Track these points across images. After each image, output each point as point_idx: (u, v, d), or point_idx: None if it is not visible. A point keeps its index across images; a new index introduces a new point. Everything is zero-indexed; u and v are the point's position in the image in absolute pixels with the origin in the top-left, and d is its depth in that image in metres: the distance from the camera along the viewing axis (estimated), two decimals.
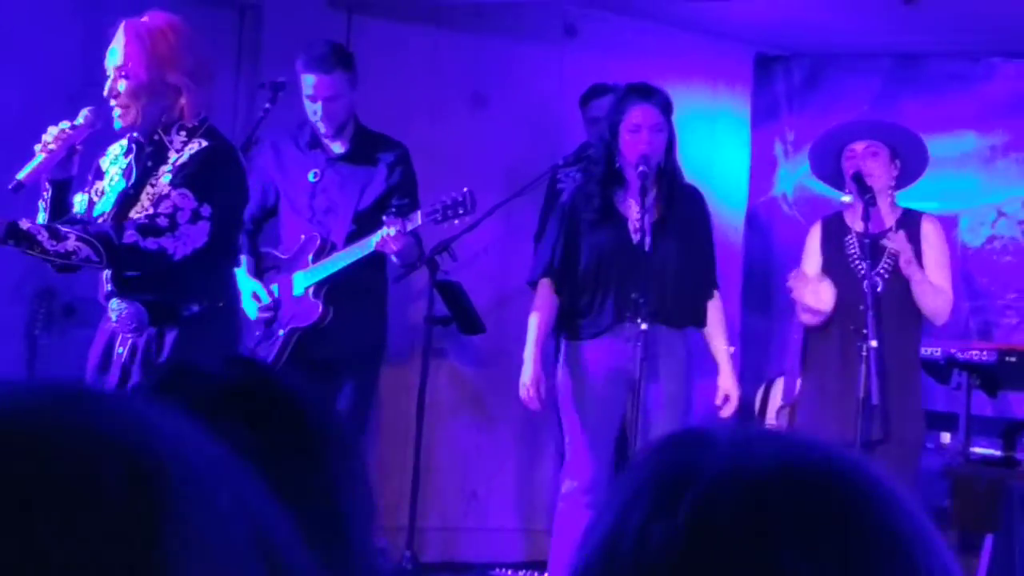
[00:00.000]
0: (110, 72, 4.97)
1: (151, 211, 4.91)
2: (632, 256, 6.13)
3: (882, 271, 6.16)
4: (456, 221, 6.32)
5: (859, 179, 6.12)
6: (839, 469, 1.17)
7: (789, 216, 8.98)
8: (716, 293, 6.42)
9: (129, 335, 4.98)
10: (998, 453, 6.81)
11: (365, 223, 6.48)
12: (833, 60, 9.16)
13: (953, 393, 7.18)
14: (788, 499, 1.14)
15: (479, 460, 7.98)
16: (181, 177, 4.93)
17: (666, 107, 6.26)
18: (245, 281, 6.47)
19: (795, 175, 9.09)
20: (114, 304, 5.02)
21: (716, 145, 8.96)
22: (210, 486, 0.90)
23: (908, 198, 6.62)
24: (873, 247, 6.12)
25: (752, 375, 8.37)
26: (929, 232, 6.28)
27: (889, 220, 6.25)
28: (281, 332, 6.51)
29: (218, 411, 1.36)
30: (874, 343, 5.96)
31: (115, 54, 4.97)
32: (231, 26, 7.45)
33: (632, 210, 6.23)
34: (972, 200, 8.55)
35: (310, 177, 6.68)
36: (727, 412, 6.31)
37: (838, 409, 6.10)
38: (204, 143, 5.01)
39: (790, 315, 7.44)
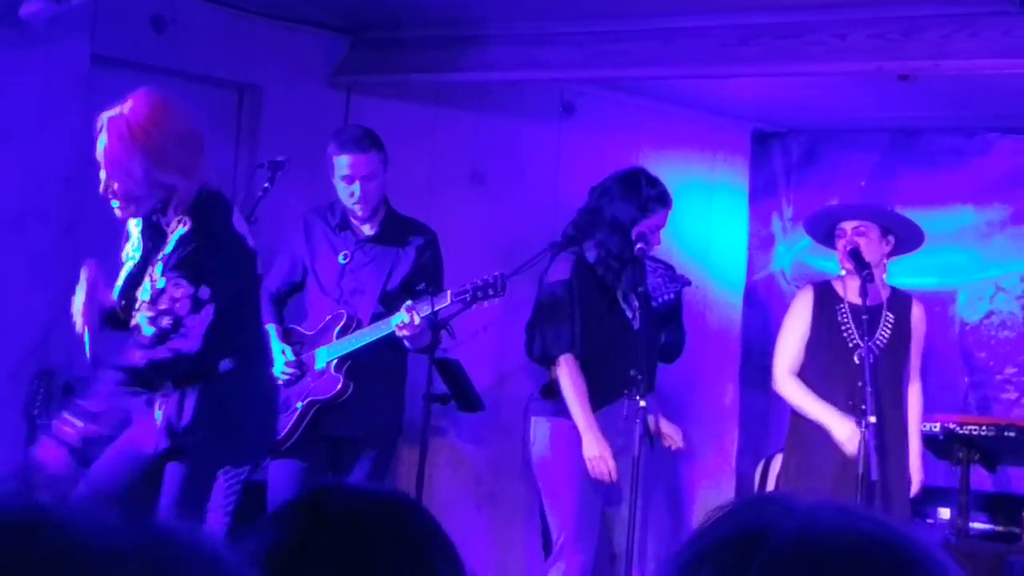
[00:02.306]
0: (101, 166, 4.86)
1: (151, 312, 4.88)
2: (628, 335, 6.27)
3: (878, 343, 6.18)
4: (486, 304, 6.32)
5: (857, 255, 6.17)
6: (900, 539, 1.20)
7: (788, 292, 8.99)
8: None
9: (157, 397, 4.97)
10: (998, 528, 6.78)
11: (391, 304, 6.47)
12: (830, 136, 9.20)
13: (952, 468, 7.17)
14: (854, 565, 1.16)
15: (478, 538, 7.95)
16: (171, 266, 4.89)
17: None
18: (275, 344, 6.48)
19: (793, 251, 9.11)
20: None
21: (714, 221, 8.99)
22: None
23: (907, 274, 6.65)
24: (870, 320, 6.17)
25: (751, 452, 8.36)
26: (918, 319, 6.41)
27: (883, 294, 6.31)
28: (299, 405, 6.48)
29: None
30: (873, 419, 5.97)
31: (101, 152, 4.83)
32: (230, 106, 7.49)
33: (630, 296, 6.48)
34: (970, 275, 8.56)
35: (340, 259, 6.66)
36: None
37: (837, 486, 6.10)
38: (187, 223, 4.89)
39: None
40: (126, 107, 4.81)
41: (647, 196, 6.54)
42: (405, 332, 6.25)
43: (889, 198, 8.21)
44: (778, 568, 1.16)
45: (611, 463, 6.24)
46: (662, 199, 6.52)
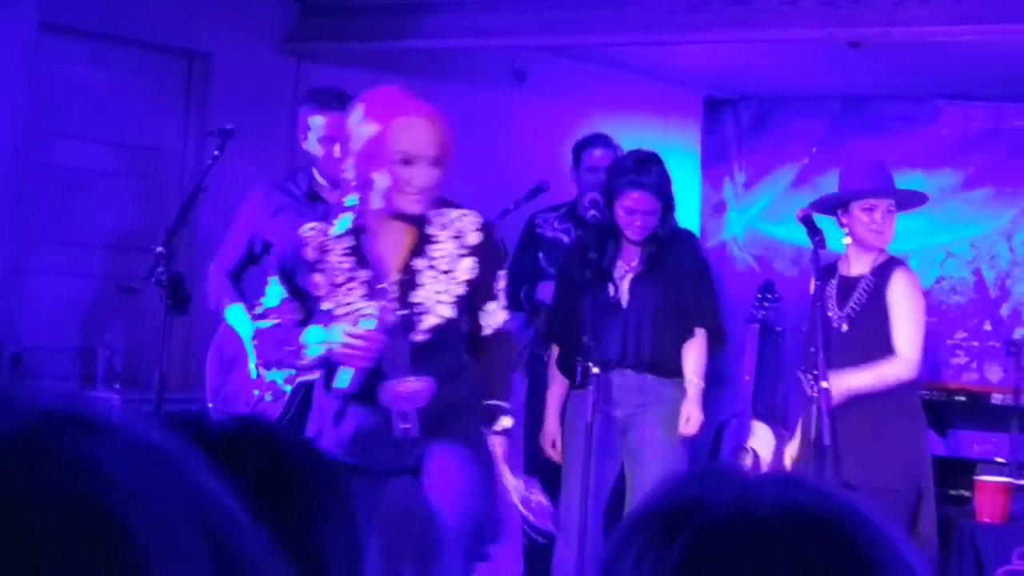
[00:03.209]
0: (412, 159, 4.73)
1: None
2: (608, 310, 6.32)
3: (850, 312, 6.13)
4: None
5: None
6: (838, 512, 1.18)
7: (739, 259, 9.01)
8: (698, 331, 6.45)
9: None
10: (948, 492, 6.82)
11: None
12: (781, 102, 9.22)
13: None
14: (787, 539, 1.15)
15: None
16: None
17: (660, 185, 6.38)
18: (247, 325, 6.18)
19: (745, 217, 9.14)
20: None
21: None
22: (178, 534, 0.87)
23: None
24: (848, 291, 6.12)
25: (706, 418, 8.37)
26: (896, 287, 6.20)
27: (874, 263, 6.20)
28: (288, 387, 6.19)
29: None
30: (825, 384, 5.95)
31: (424, 143, 4.74)
32: (180, 73, 7.44)
33: (618, 268, 6.44)
34: (920, 241, 8.59)
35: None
36: (688, 431, 6.34)
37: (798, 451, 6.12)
38: None
39: (740, 359, 7.48)
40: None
41: (617, 165, 6.56)
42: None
43: (838, 164, 8.22)
44: (707, 540, 1.15)
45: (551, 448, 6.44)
46: (634, 171, 6.42)
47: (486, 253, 4.88)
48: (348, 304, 4.71)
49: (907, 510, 5.91)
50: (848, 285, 6.11)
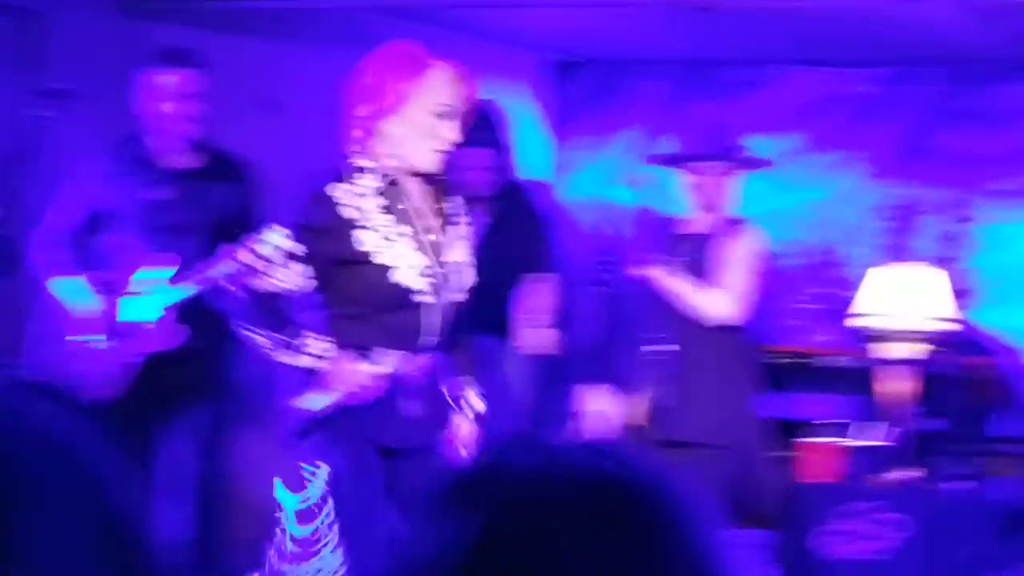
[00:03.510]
0: (446, 113, 4.73)
1: None
2: None
3: (693, 270, 6.18)
4: None
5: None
6: (641, 480, 1.18)
7: (586, 221, 9.04)
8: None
9: None
10: (782, 453, 6.90)
11: (216, 244, 5.79)
12: (628, 66, 9.24)
13: None
14: (586, 506, 1.15)
15: None
16: None
17: (500, 141, 6.40)
18: (85, 296, 5.90)
19: (592, 181, 9.16)
20: None
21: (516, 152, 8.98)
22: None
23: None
24: (681, 248, 6.17)
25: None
26: (740, 243, 6.32)
27: (712, 226, 6.27)
28: (121, 357, 5.87)
29: None
30: (669, 347, 6.00)
31: (457, 96, 4.76)
32: (9, 32, 7.27)
33: None
34: (762, 205, 8.64)
35: (149, 195, 6.06)
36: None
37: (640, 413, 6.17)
38: None
39: (584, 323, 7.50)
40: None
41: None
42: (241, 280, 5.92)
43: (682, 129, 8.26)
44: (509, 508, 1.16)
45: None
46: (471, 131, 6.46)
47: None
48: (402, 256, 4.66)
49: (736, 468, 5.99)
50: (691, 243, 6.18)
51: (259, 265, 5.06)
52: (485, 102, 6.61)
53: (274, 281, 4.72)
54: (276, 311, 4.68)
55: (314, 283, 4.67)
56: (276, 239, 4.84)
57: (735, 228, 6.32)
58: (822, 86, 8.80)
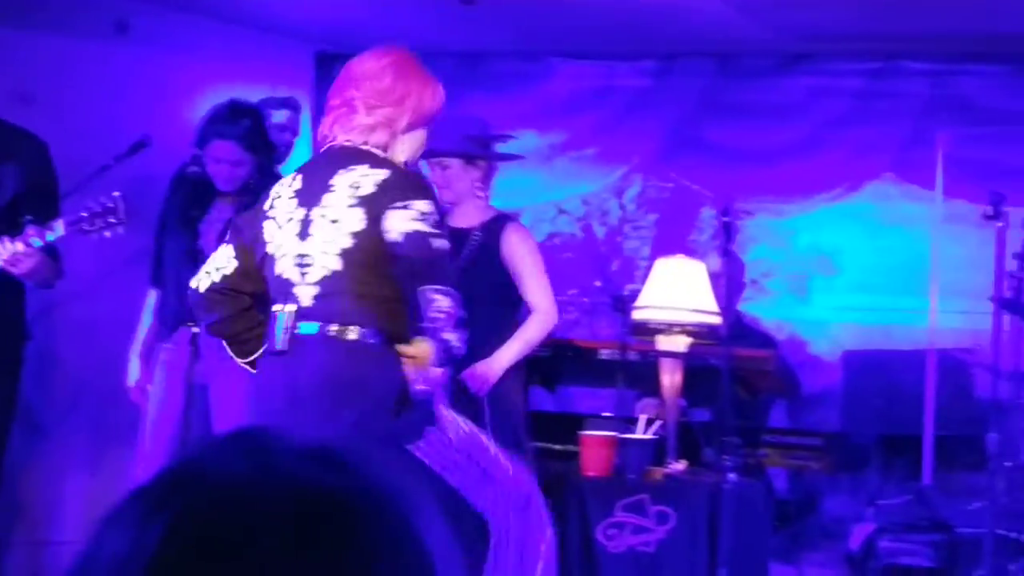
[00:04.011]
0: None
1: None
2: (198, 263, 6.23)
3: (461, 264, 6.11)
4: (108, 233, 5.77)
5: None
6: (362, 493, 1.05)
7: None
8: None
9: None
10: (557, 447, 6.87)
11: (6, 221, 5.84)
12: None
13: None
14: (280, 524, 1.00)
15: (34, 473, 7.61)
16: None
17: (249, 136, 6.36)
18: None
19: None
20: None
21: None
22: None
23: None
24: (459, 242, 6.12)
25: None
26: (510, 243, 6.24)
27: (480, 218, 6.23)
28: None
29: None
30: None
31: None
32: None
33: (207, 221, 6.40)
34: (533, 197, 8.65)
35: None
36: None
37: None
38: None
39: None
40: None
41: (206, 116, 6.44)
42: (21, 267, 5.74)
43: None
44: (193, 519, 1.00)
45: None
46: (220, 119, 6.37)
47: None
48: None
49: None
50: (456, 238, 6.11)
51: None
52: (242, 101, 6.54)
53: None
54: None
55: None
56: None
57: (508, 225, 6.28)
58: (590, 79, 8.80)
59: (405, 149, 4.67)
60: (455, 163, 6.22)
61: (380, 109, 4.66)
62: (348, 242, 4.51)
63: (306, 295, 4.55)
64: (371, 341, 4.49)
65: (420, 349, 4.52)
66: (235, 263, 4.74)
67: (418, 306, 4.44)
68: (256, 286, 4.74)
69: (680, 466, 6.31)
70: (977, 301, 7.28)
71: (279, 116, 7.49)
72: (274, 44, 8.78)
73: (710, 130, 8.56)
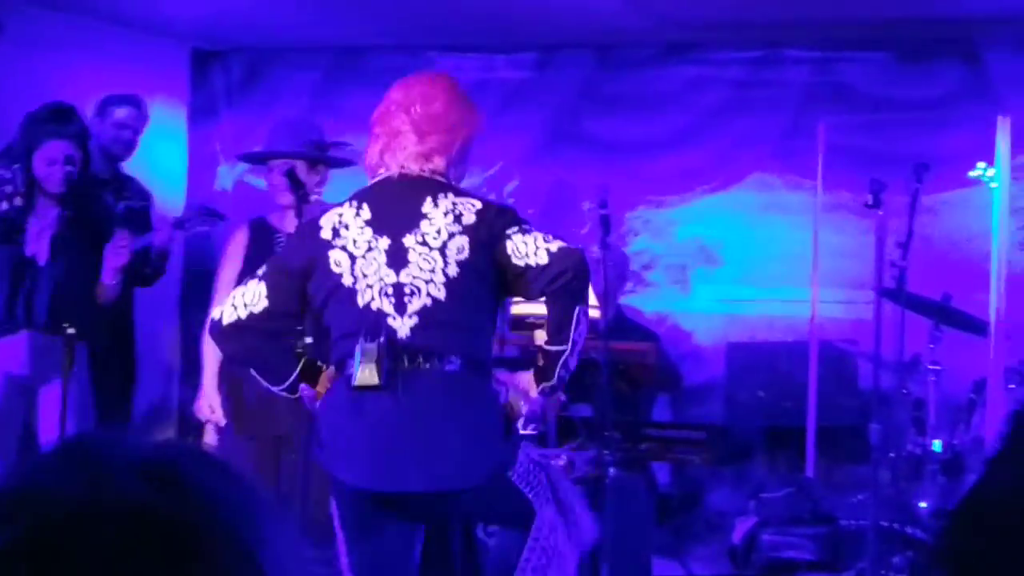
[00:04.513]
0: None
1: None
2: (26, 270, 6.28)
3: None
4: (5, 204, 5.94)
5: (293, 176, 6.06)
6: (174, 508, 1.02)
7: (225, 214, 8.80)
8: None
9: None
10: None
11: None
12: (272, 55, 9.04)
13: None
14: (97, 535, 0.99)
15: None
16: None
17: (80, 135, 6.32)
18: None
19: (236, 171, 8.94)
20: None
21: (153, 143, 8.70)
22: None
23: (336, 193, 6.53)
24: None
25: (192, 387, 8.16)
26: None
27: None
28: None
29: None
30: (309, 339, 5.87)
31: None
32: None
33: (33, 224, 6.31)
34: None
35: None
36: None
37: (278, 408, 5.99)
38: None
39: None
40: None
41: (34, 116, 6.40)
42: None
43: (334, 117, 8.10)
44: (23, 543, 0.98)
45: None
46: (50, 119, 6.30)
47: None
48: None
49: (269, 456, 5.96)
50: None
51: None
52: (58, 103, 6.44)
53: None
54: None
55: None
56: None
57: None
58: (468, 71, 8.73)
59: (454, 176, 4.62)
60: (300, 166, 6.17)
61: (432, 136, 4.57)
62: (454, 271, 4.41)
63: (404, 327, 4.40)
64: (471, 371, 4.41)
65: (523, 380, 4.54)
66: (265, 303, 4.55)
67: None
68: (285, 324, 4.62)
69: (561, 461, 6.25)
70: (859, 291, 7.28)
71: (120, 113, 7.48)
72: (149, 42, 8.65)
73: (590, 122, 8.51)
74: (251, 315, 4.54)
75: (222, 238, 6.85)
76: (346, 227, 4.52)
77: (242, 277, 6.12)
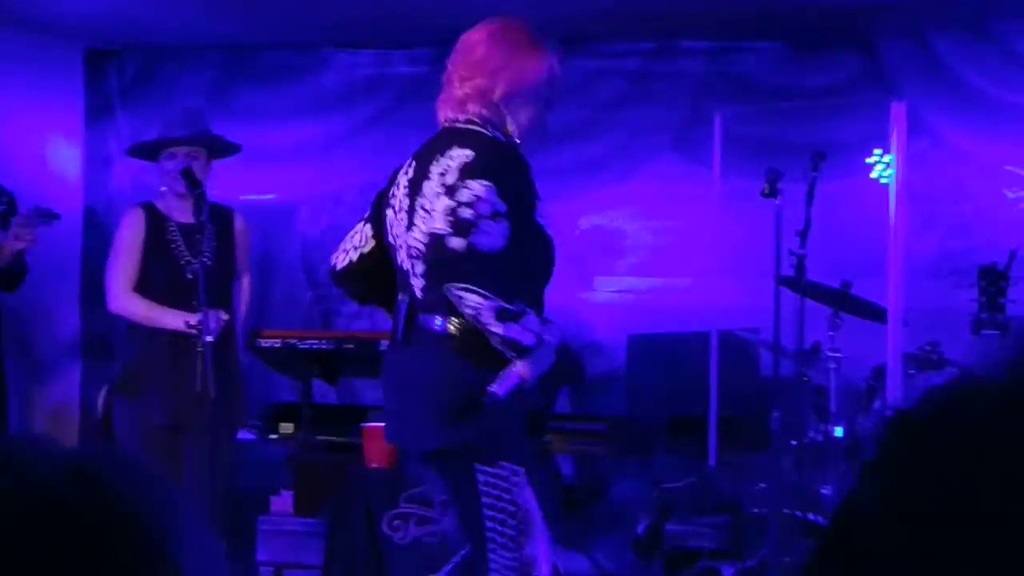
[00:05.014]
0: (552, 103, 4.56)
1: None
2: None
3: (206, 259, 6.09)
4: None
5: (189, 174, 6.04)
6: (94, 506, 1.02)
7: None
8: None
9: None
10: (341, 439, 6.79)
11: None
12: (167, 54, 8.96)
13: (294, 382, 7.13)
14: (22, 526, 0.99)
15: None
16: None
17: None
18: None
19: (133, 171, 8.84)
20: None
21: (48, 144, 8.61)
22: None
23: (250, 190, 6.52)
24: (199, 236, 6.08)
25: (96, 377, 8.08)
26: (240, 230, 6.39)
27: (206, 212, 6.17)
28: None
29: None
30: (210, 338, 5.85)
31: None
32: None
33: None
34: (313, 188, 8.56)
35: None
36: None
37: (174, 400, 5.94)
38: None
39: None
40: None
41: None
42: None
43: (229, 116, 8.05)
44: None
45: None
46: None
47: None
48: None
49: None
50: (198, 233, 6.06)
51: None
52: None
53: None
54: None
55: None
56: None
57: (235, 214, 6.33)
58: (365, 68, 8.71)
59: (512, 120, 4.45)
60: (197, 164, 6.14)
61: (471, 81, 4.44)
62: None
63: (417, 286, 4.39)
64: (469, 333, 4.30)
65: None
66: (372, 243, 4.62)
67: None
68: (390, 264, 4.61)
69: None
70: (758, 280, 7.30)
71: None
72: (42, 42, 8.54)
73: None
74: (361, 256, 4.61)
75: None
76: (397, 185, 4.55)
77: (144, 262, 6.10)
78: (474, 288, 4.20)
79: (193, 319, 5.89)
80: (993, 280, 6.02)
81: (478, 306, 4.21)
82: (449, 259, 4.22)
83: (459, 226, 4.20)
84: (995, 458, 0.92)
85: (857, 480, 1.00)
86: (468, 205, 4.22)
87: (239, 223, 6.40)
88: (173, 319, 6.00)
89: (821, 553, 0.99)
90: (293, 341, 6.93)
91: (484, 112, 4.43)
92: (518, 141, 4.44)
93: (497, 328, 4.21)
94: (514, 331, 4.22)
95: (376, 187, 8.73)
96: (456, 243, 4.21)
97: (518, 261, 4.26)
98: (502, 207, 4.21)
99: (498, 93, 4.43)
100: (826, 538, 0.99)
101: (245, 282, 6.42)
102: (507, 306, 4.20)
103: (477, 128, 4.41)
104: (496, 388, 4.21)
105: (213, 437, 6.00)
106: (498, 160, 4.36)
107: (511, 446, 4.40)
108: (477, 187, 4.23)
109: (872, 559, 0.94)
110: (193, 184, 6.05)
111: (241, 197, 7.43)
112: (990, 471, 0.91)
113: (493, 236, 4.20)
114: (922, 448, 0.95)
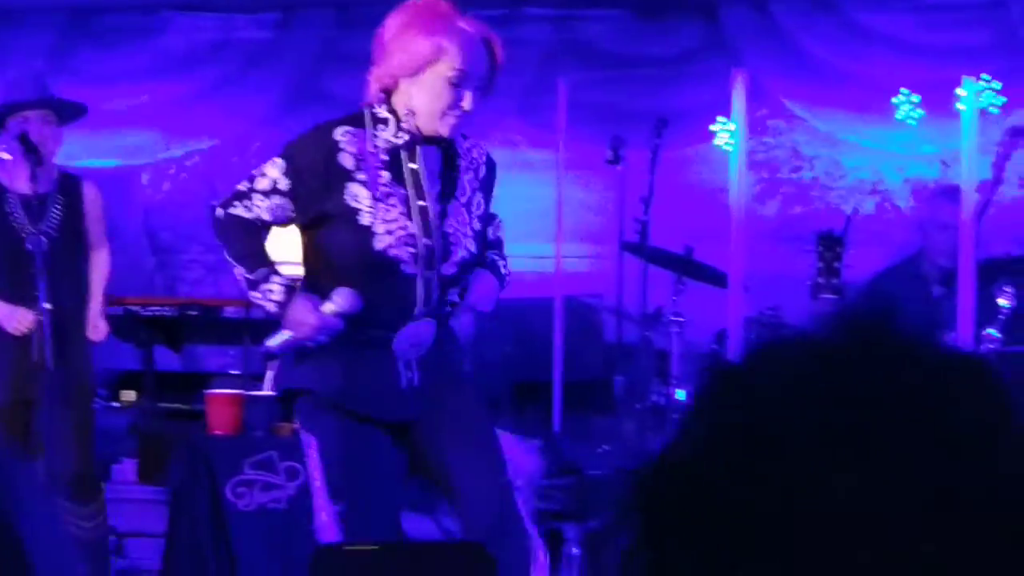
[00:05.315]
0: (464, 80, 4.24)
1: None
2: None
3: (49, 230, 5.94)
4: None
5: (26, 139, 5.87)
6: None
7: None
8: None
9: None
10: (185, 407, 6.74)
11: None
12: (3, 16, 8.80)
13: (137, 350, 7.05)
14: None
15: None
16: None
17: None
18: None
19: None
20: None
21: None
22: None
23: (91, 156, 6.42)
24: (40, 206, 5.91)
25: None
26: (91, 199, 6.15)
27: (52, 180, 6.04)
28: None
29: None
30: (48, 306, 5.75)
31: (479, 63, 4.28)
32: None
33: None
34: (153, 154, 8.50)
35: None
36: None
37: (13, 374, 5.84)
38: None
39: None
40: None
41: None
42: None
43: (69, 78, 7.92)
44: None
45: None
46: None
47: (490, 186, 4.49)
48: (392, 221, 4.21)
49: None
50: (40, 202, 5.91)
51: None
52: None
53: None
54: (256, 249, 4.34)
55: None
56: None
57: (84, 184, 6.17)
58: (208, 32, 8.62)
59: (405, 105, 4.29)
60: (33, 128, 5.98)
61: (374, 66, 4.33)
62: None
63: None
64: None
65: None
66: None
67: None
68: None
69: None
70: (602, 246, 7.35)
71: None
72: None
73: (332, 81, 8.44)
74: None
75: None
76: None
77: None
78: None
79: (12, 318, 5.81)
80: (830, 245, 6.12)
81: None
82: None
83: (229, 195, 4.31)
84: (812, 405, 0.94)
85: (676, 428, 1.02)
86: (248, 179, 4.29)
87: (89, 192, 6.15)
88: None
89: (638, 499, 1.00)
90: (135, 308, 6.86)
91: (378, 95, 4.32)
92: (418, 127, 4.30)
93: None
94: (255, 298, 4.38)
95: (219, 151, 8.70)
96: (218, 212, 4.30)
97: (317, 242, 4.29)
98: (284, 184, 4.23)
99: (388, 78, 4.33)
100: (642, 485, 1.00)
101: (103, 255, 6.16)
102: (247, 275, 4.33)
103: (360, 112, 4.36)
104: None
105: (62, 409, 5.89)
106: (299, 139, 4.40)
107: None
108: (266, 163, 4.28)
109: (685, 505, 0.96)
110: (30, 149, 5.89)
111: (80, 162, 7.29)
112: (805, 417, 0.94)
113: (257, 209, 4.25)
114: (740, 395, 0.97)
